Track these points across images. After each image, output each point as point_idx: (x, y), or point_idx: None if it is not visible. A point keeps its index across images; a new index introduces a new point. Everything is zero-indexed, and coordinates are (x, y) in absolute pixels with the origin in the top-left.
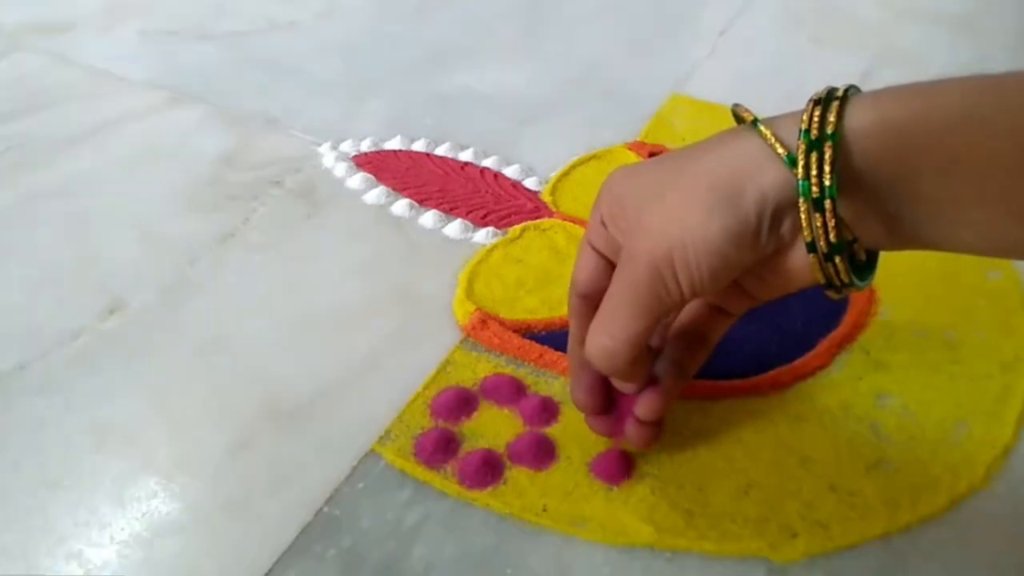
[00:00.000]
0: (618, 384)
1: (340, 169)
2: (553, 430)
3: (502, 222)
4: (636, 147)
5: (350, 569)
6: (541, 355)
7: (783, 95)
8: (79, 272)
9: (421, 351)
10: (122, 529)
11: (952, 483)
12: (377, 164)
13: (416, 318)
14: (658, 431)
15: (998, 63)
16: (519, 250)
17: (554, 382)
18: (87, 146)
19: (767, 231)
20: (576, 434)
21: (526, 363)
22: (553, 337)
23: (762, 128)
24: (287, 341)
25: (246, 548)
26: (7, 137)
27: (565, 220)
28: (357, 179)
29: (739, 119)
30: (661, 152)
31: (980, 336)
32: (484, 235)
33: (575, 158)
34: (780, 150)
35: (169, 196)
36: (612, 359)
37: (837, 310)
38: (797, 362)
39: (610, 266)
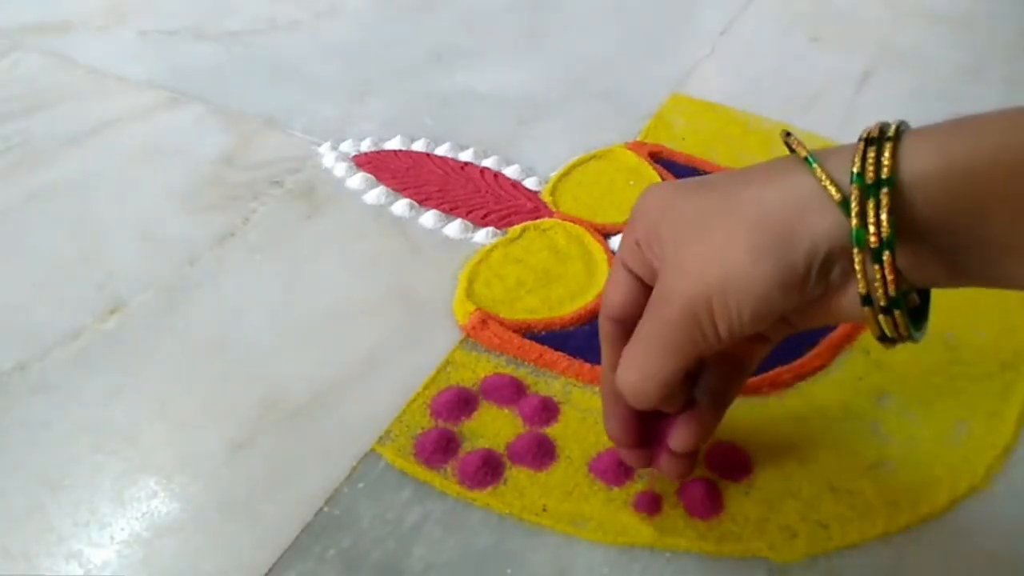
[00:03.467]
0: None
1: (340, 169)
2: (553, 430)
3: (502, 222)
4: (636, 147)
5: (350, 569)
6: (541, 355)
7: (783, 95)
8: (79, 272)
9: (421, 351)
10: (122, 529)
11: (952, 483)
12: (377, 164)
13: (416, 318)
14: (692, 462)
15: (998, 63)
16: (519, 250)
17: (554, 382)
18: (87, 146)
19: (815, 277)
20: (576, 434)
21: (526, 363)
22: (553, 337)
23: (815, 168)
24: (287, 341)
25: (246, 548)
26: (7, 137)
27: (565, 220)
28: (357, 179)
29: (790, 148)
30: (661, 152)
31: (980, 336)
32: (484, 235)
33: (575, 158)
34: (834, 193)
35: (169, 196)
36: (645, 397)
37: None
38: (797, 362)
39: (645, 288)
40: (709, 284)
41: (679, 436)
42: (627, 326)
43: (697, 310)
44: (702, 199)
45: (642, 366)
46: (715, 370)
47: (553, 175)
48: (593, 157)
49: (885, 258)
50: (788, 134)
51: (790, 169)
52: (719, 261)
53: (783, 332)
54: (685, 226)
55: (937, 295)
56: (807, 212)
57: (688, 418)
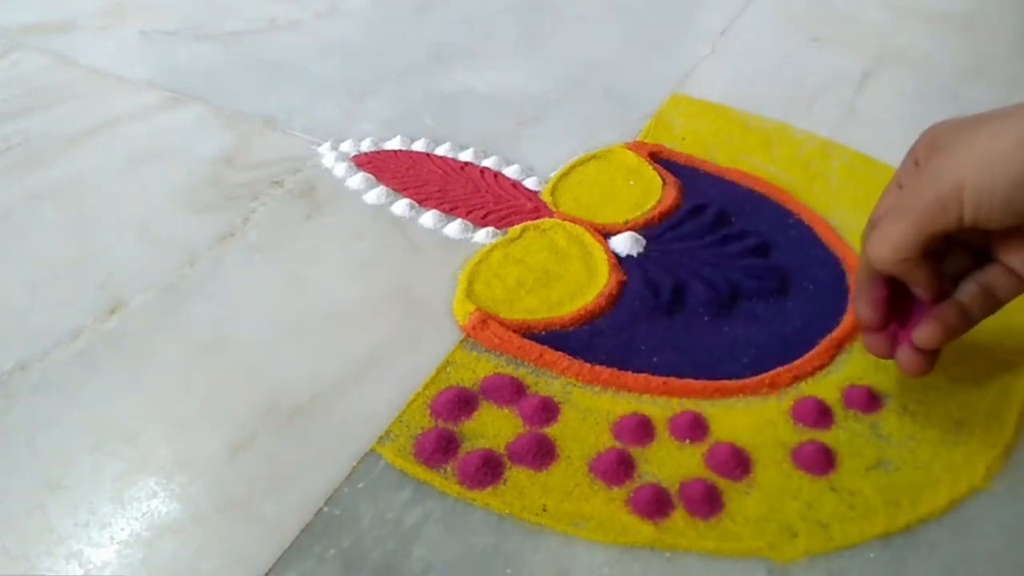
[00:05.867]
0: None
1: (340, 169)
2: (553, 430)
3: (502, 222)
4: (636, 147)
5: (350, 569)
6: (541, 355)
7: (783, 95)
8: (79, 272)
9: (421, 351)
10: (122, 529)
11: (952, 483)
12: (377, 164)
13: (416, 318)
14: (931, 362)
15: (998, 63)
16: (519, 250)
17: (554, 382)
18: (87, 146)
19: None
20: (576, 434)
21: (526, 363)
22: (553, 337)
23: None
24: (287, 341)
25: (246, 548)
26: (7, 137)
27: (565, 220)
28: (357, 179)
29: None
30: (661, 152)
31: (980, 336)
32: (484, 235)
33: (575, 158)
34: None
35: (169, 196)
36: (883, 260)
37: (837, 310)
38: (797, 362)
39: None
40: (968, 164)
41: (922, 330)
42: None
43: (947, 189)
44: (976, 117)
45: (889, 233)
46: (970, 291)
47: (553, 175)
48: (593, 157)
49: None
50: None
51: None
52: (985, 148)
53: None
54: (961, 130)
55: None
56: None
57: (935, 316)
